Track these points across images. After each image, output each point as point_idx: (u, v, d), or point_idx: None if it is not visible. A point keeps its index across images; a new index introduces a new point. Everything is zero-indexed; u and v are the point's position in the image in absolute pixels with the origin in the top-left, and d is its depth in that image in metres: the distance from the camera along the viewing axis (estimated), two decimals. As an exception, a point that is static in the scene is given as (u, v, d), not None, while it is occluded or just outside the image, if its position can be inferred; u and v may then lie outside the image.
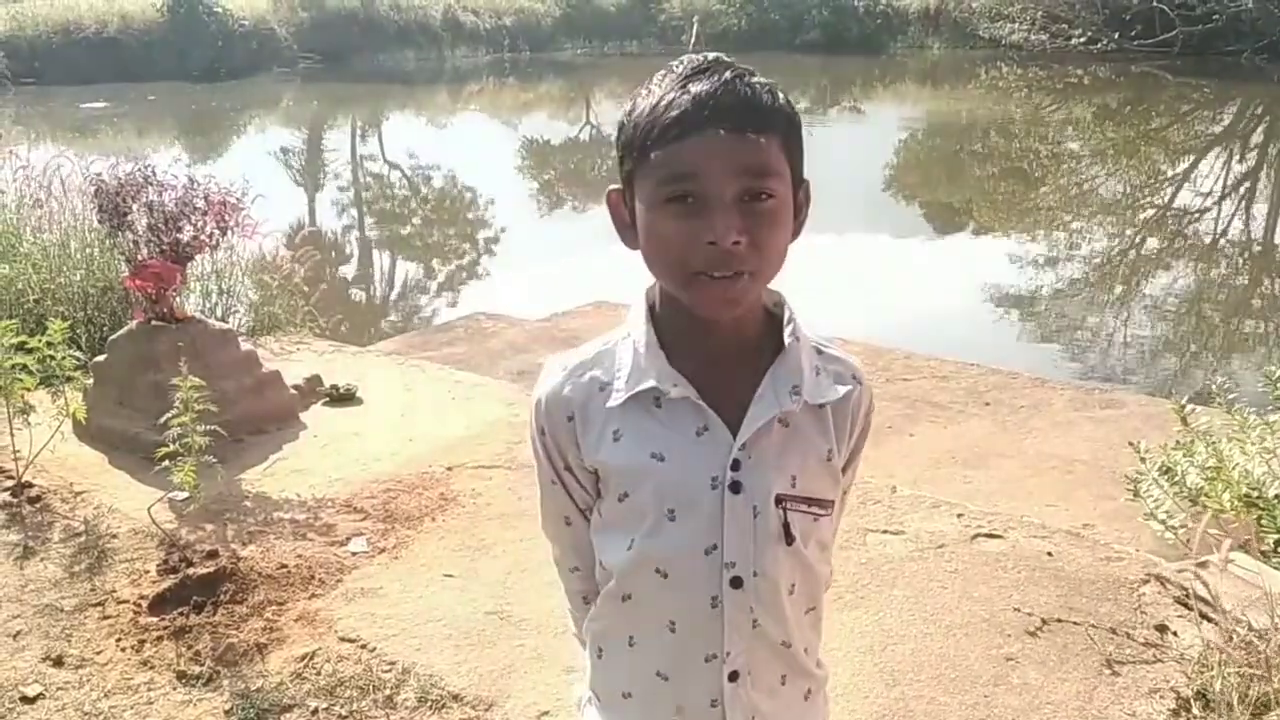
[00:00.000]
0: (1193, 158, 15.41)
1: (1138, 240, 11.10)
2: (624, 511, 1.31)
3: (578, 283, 8.39)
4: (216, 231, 4.29)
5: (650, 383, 1.26)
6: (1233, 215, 12.17)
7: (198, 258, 4.73)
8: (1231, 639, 2.63)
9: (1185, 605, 2.98)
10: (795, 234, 1.25)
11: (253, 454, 4.23)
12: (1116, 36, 23.60)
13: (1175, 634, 2.90)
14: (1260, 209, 12.47)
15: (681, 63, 1.21)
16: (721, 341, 1.26)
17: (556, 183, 15.48)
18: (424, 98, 23.67)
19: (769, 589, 1.29)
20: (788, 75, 24.88)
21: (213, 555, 3.44)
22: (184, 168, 4.76)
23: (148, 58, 24.11)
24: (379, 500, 3.84)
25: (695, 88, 1.16)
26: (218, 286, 5.90)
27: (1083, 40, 24.04)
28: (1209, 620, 2.83)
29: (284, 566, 3.39)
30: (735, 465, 1.25)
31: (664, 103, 1.17)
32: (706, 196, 1.16)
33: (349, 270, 10.58)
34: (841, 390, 1.30)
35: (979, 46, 25.80)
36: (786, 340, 1.28)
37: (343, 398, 4.78)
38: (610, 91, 24.91)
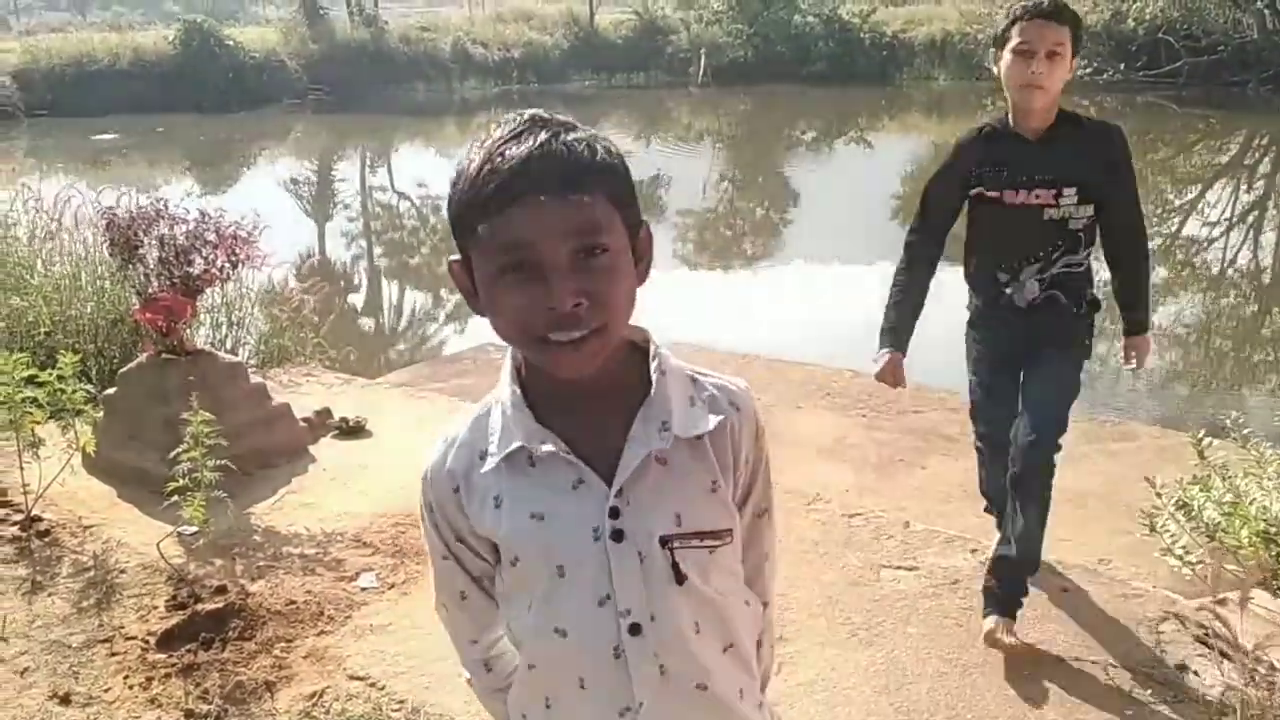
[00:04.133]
0: (1200, 187, 15.41)
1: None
2: (519, 576, 1.31)
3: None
4: (227, 265, 4.29)
5: (519, 442, 1.25)
6: (1240, 245, 12.16)
7: (208, 290, 4.74)
8: (1253, 679, 2.60)
9: (1205, 644, 2.94)
10: (643, 278, 1.25)
11: (262, 488, 4.21)
12: (1122, 67, 23.65)
13: (1196, 674, 2.86)
14: (1268, 238, 12.46)
15: (499, 124, 1.20)
16: (588, 390, 1.25)
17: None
18: (433, 129, 23.79)
19: (670, 631, 1.28)
20: (794, 106, 25.05)
21: (221, 591, 3.42)
22: (195, 200, 4.78)
23: (160, 90, 24.34)
24: (388, 535, 3.82)
25: (511, 152, 1.15)
26: (227, 318, 5.91)
27: (1089, 71, 24.05)
28: (1230, 660, 2.79)
29: (293, 603, 3.37)
30: (614, 513, 1.24)
31: (483, 173, 1.15)
32: (540, 263, 1.15)
33: (358, 300, 10.60)
34: (715, 420, 1.29)
35: (985, 78, 25.73)
36: (654, 376, 1.28)
37: (352, 430, 4.77)
38: (618, 122, 25.03)
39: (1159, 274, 10.90)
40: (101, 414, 4.36)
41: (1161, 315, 9.32)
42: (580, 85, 29.39)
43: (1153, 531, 3.51)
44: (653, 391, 1.27)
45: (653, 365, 1.28)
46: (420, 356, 8.76)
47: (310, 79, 26.39)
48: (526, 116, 1.19)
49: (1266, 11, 22.82)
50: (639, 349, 1.30)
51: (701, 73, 28.28)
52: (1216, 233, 12.58)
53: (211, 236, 4.30)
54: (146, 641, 3.18)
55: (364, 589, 3.48)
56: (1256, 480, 3.40)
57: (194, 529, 3.70)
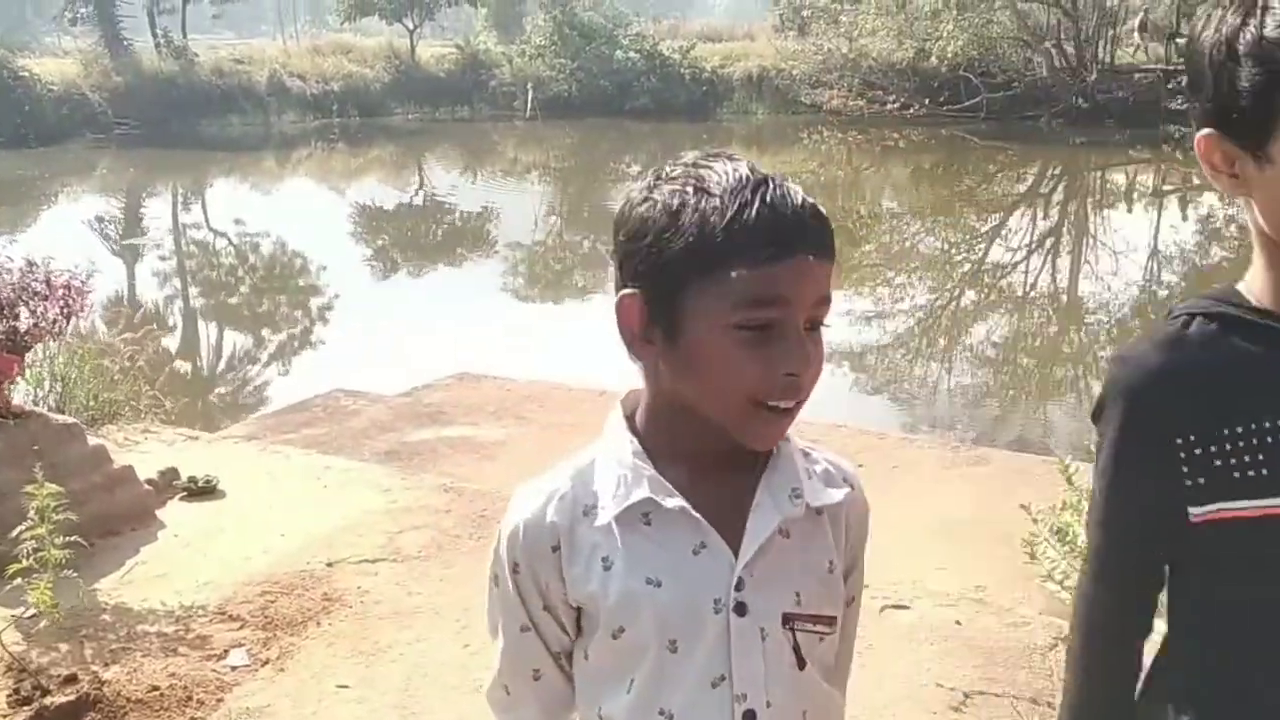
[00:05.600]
0: (1001, 215, 16.32)
1: (957, 294, 11.64)
2: (620, 649, 1.18)
3: (430, 352, 8.19)
4: (60, 318, 3.95)
5: (642, 494, 1.14)
6: (1040, 268, 12.95)
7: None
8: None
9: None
10: None
11: (107, 560, 3.86)
12: (927, 102, 24.95)
13: (1092, 699, 2.93)
14: (1064, 262, 13.33)
15: (712, 159, 1.12)
16: (712, 449, 1.16)
17: (391, 248, 15.20)
18: (249, 164, 22.91)
19: None
20: (619, 140, 25.34)
21: (71, 680, 3.10)
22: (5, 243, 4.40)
23: (-55, 125, 22.64)
24: (256, 605, 3.55)
25: (774, 199, 1.07)
26: (50, 373, 5.45)
27: (896, 105, 25.32)
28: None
29: (155, 689, 3.08)
30: (739, 584, 1.15)
31: (746, 216, 1.06)
32: (786, 325, 1.08)
33: (187, 349, 10.04)
34: (838, 494, 1.22)
35: (801, 112, 26.81)
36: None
37: (202, 491, 4.45)
38: (443, 156, 24.76)
39: (968, 297, 11.46)
40: (-86, 486, 3.93)
41: (973, 336, 9.82)
42: (403, 118, 28.95)
43: (1033, 559, 3.61)
44: (776, 456, 1.19)
45: None
46: (245, 401, 8.37)
47: (115, 112, 25.00)
48: (740, 160, 1.12)
49: (1054, 51, 24.51)
50: None
51: (529, 106, 28.30)
52: (1019, 257, 13.35)
53: (40, 287, 3.95)
54: (-12, 744, 2.86)
55: (235, 668, 3.22)
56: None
57: (33, 612, 3.36)
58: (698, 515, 1.15)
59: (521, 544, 1.19)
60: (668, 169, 1.14)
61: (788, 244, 1.07)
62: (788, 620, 1.17)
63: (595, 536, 1.17)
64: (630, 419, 1.21)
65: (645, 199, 1.13)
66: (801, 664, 1.18)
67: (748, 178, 1.09)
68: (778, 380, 1.09)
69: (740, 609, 1.15)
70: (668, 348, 1.13)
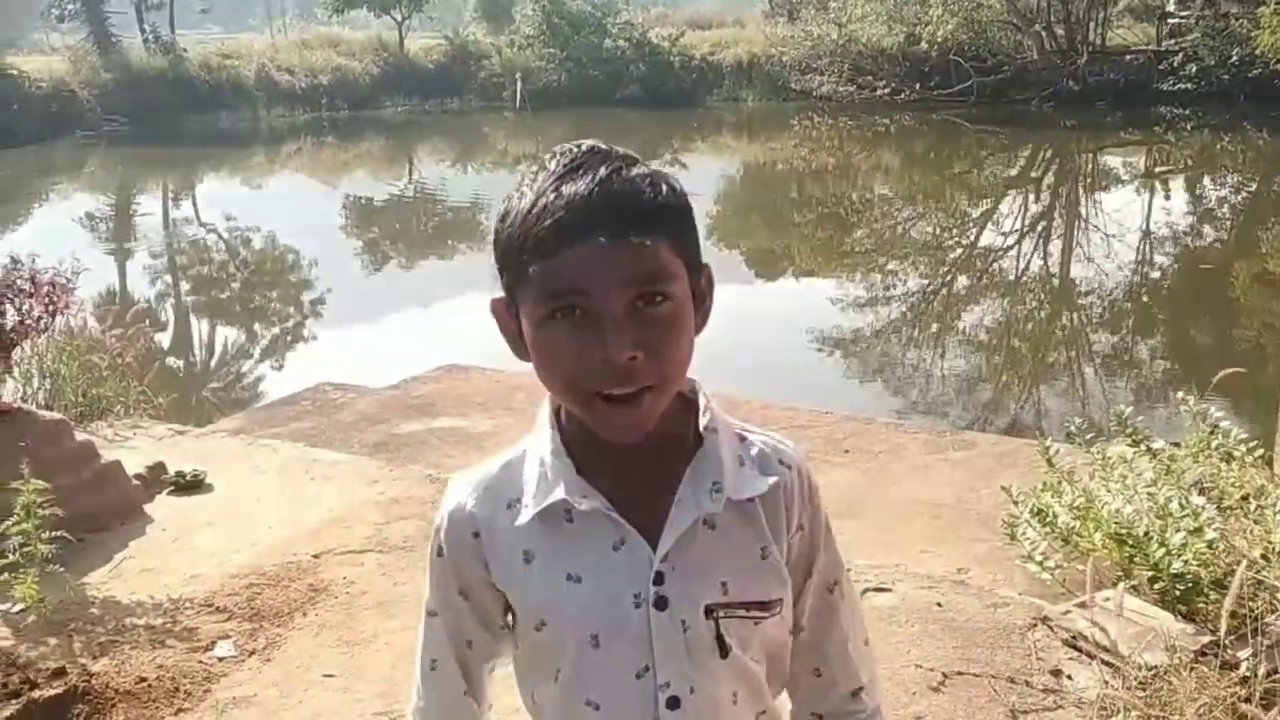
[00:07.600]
0: (993, 200, 16.31)
1: (949, 278, 11.65)
2: (544, 642, 1.20)
3: (419, 345, 8.21)
4: (45, 316, 3.97)
5: (559, 495, 1.16)
6: (1032, 252, 12.95)
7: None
8: (1125, 682, 2.71)
9: (1074, 648, 3.06)
10: (702, 325, 1.17)
11: (96, 555, 3.89)
12: (918, 87, 24.95)
13: (1070, 678, 2.97)
14: (1056, 245, 13.32)
15: (555, 156, 1.11)
16: (633, 443, 1.15)
17: (382, 241, 15.20)
18: (239, 159, 22.87)
19: (708, 704, 1.20)
20: (609, 129, 25.27)
21: (60, 674, 3.12)
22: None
23: (-67, 123, 22.52)
24: (242, 597, 3.58)
25: (568, 189, 1.06)
26: (38, 370, 5.46)
27: (887, 91, 25.30)
28: (1105, 663, 2.90)
29: (143, 680, 3.11)
30: (658, 578, 1.16)
31: (537, 209, 1.06)
32: (594, 310, 1.06)
33: (178, 345, 10.05)
34: (769, 482, 1.21)
35: (791, 98, 26.79)
36: (703, 431, 1.20)
37: (190, 485, 4.47)
38: (433, 148, 24.75)
39: (960, 282, 11.49)
40: (-98, 485, 3.95)
41: (966, 320, 9.85)
42: (393, 111, 28.89)
43: (1013, 540, 3.64)
44: (703, 448, 1.19)
45: (702, 420, 1.19)
46: (237, 396, 8.38)
47: (105, 109, 24.90)
48: (585, 148, 1.10)
49: (1044, 34, 24.49)
50: (688, 400, 1.21)
51: (519, 97, 28.25)
52: (1010, 242, 13.36)
53: (25, 285, 3.97)
54: (-23, 738, 2.88)
55: (221, 659, 3.24)
56: (1104, 483, 3.57)
57: (21, 606, 3.38)
58: (612, 513, 1.16)
59: (446, 533, 1.23)
60: (533, 167, 1.14)
61: (574, 232, 1.04)
62: (711, 610, 1.18)
63: (518, 532, 1.19)
64: (558, 412, 1.21)
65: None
66: (725, 652, 1.19)
67: (562, 170, 1.08)
68: (595, 367, 1.07)
69: (660, 603, 1.16)
70: (528, 349, 1.15)
